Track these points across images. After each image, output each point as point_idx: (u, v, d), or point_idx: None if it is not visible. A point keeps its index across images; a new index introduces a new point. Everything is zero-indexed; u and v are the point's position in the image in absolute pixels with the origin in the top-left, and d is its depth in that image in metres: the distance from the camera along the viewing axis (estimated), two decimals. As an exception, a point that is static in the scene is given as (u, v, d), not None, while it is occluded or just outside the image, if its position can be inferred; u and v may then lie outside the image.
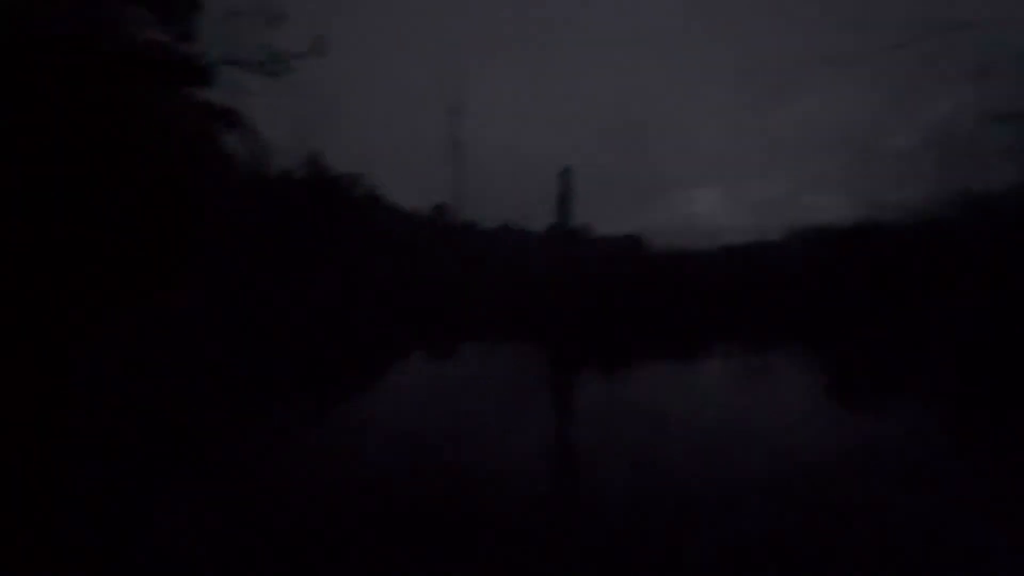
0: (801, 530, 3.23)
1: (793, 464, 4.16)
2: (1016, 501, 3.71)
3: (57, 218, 5.77)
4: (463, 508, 3.32)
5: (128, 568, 3.00)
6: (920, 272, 16.54)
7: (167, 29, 10.18)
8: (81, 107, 6.18)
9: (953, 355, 10.80)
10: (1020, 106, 12.33)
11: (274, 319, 13.68)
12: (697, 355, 11.94)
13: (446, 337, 14.23)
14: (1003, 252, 12.53)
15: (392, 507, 3.28)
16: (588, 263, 21.66)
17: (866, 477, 4.00)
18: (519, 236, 24.14)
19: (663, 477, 3.96)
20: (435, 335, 14.60)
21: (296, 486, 3.61)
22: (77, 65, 6.31)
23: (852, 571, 2.78)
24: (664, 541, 3.04)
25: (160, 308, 8.07)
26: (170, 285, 7.66)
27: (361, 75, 48.97)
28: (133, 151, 6.71)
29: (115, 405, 5.55)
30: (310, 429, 5.15)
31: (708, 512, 3.40)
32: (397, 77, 54.45)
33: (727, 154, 55.20)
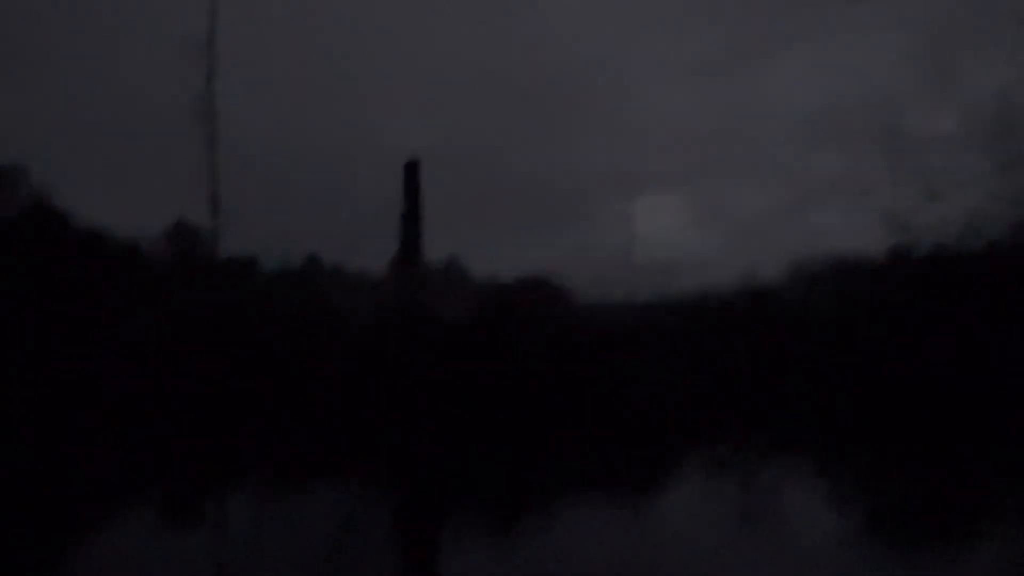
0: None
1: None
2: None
3: None
4: None
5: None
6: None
7: None
8: None
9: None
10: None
11: None
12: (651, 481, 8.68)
13: (196, 475, 9.35)
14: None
15: None
16: (457, 329, 14.36)
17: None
18: (338, 281, 14.04)
19: None
20: (175, 469, 9.57)
21: None
22: None
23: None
24: None
25: None
26: None
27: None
28: None
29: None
30: None
31: None
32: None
33: (686, 140, 30.12)
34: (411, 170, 15.36)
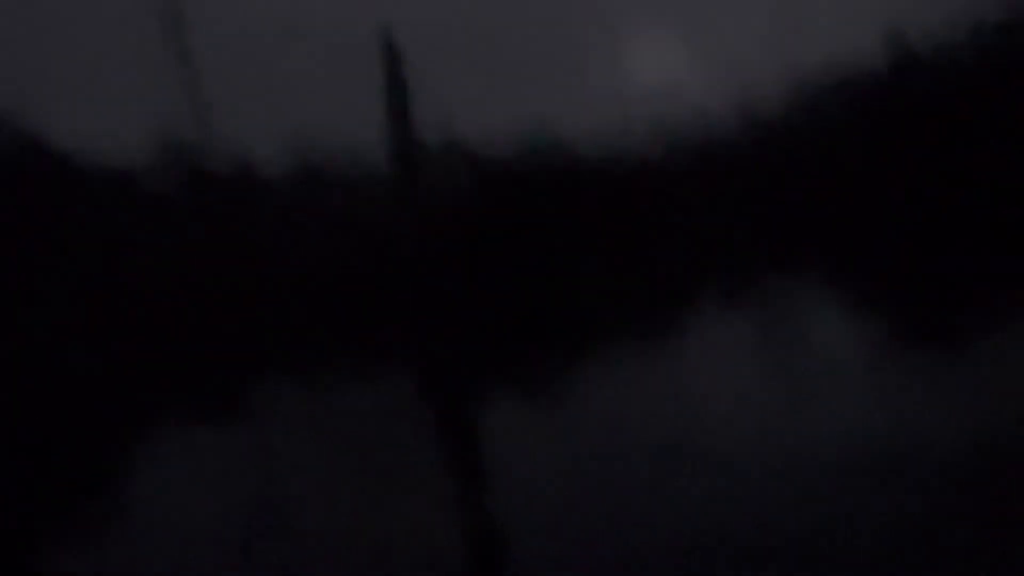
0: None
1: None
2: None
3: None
4: None
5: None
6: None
7: None
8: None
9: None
10: None
11: None
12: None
13: (215, 377, 9.73)
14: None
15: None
16: (471, 203, 13.12)
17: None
18: (335, 171, 13.53)
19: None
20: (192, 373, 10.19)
21: None
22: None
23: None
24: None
25: None
26: None
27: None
28: None
29: None
30: None
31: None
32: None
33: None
34: (387, 41, 14.06)
